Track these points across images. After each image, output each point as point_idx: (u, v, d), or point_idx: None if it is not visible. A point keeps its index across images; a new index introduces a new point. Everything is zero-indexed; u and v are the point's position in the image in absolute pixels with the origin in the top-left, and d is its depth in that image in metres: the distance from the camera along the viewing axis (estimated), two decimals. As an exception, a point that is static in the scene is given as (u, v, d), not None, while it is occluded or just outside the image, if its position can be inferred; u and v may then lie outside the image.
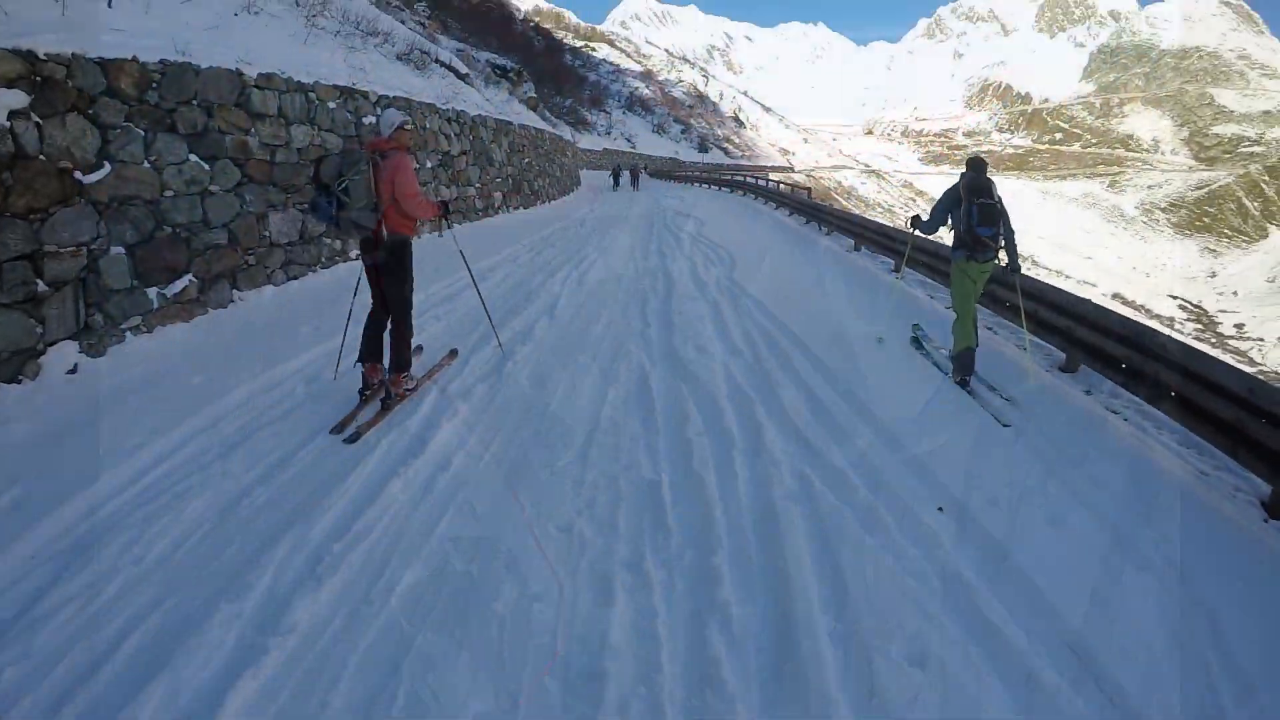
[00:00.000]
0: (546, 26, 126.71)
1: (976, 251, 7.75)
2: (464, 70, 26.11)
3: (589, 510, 4.83)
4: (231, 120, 9.75)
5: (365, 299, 6.68)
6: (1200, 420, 6.27)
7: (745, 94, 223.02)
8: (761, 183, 42.46)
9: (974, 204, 7.62)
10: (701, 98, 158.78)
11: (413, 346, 6.77)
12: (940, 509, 5.05)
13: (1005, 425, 6.71)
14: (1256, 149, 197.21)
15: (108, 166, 7.60)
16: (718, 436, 5.91)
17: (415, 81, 18.41)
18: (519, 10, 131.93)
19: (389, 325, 6.56)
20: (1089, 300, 8.39)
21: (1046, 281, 9.33)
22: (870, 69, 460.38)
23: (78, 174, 7.23)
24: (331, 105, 12.42)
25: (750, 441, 5.85)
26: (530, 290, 11.47)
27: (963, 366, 7.85)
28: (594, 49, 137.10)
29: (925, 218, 8.61)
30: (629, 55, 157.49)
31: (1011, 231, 7.88)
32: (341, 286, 9.96)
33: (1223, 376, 6.03)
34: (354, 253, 12.70)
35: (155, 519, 4.61)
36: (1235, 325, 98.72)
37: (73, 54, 7.28)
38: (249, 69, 10.25)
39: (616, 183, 48.91)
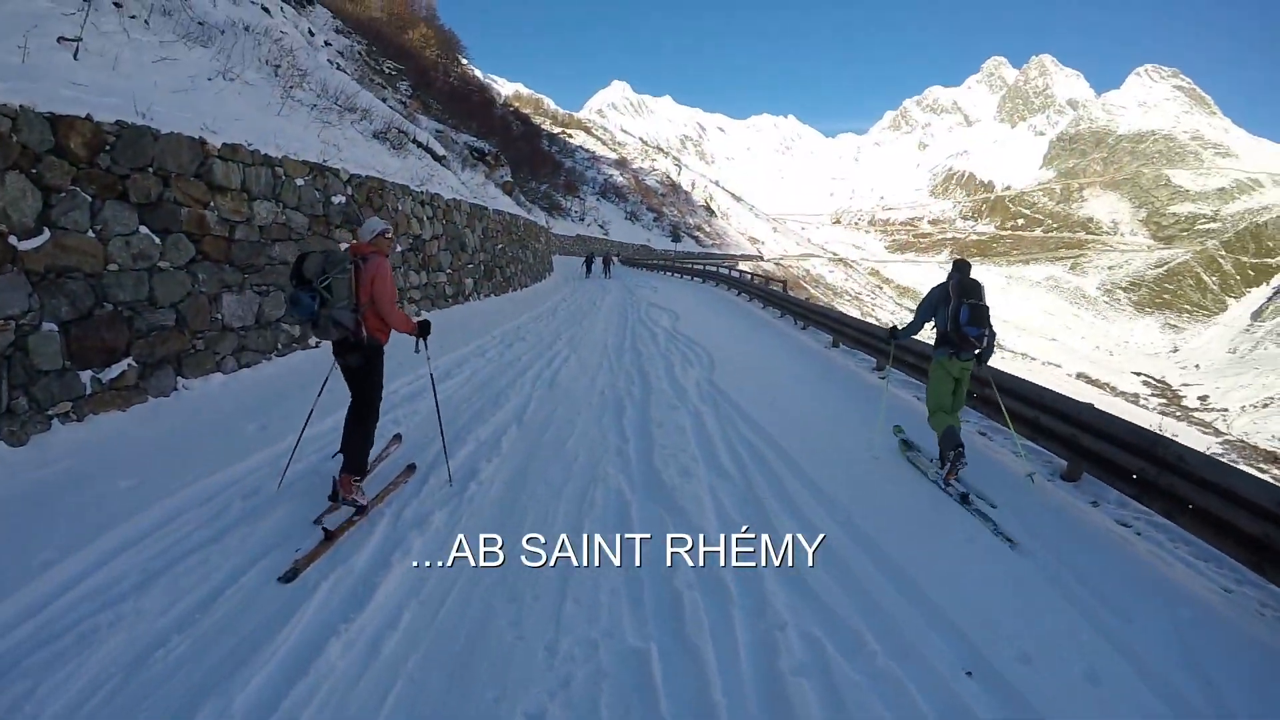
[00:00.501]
0: (525, 112, 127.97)
1: (961, 349, 7.96)
2: (441, 152, 25.78)
3: (563, 691, 4.04)
4: (190, 192, 9.07)
5: (327, 401, 6.60)
6: (1222, 534, 6.04)
7: (717, 183, 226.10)
8: (734, 273, 43.00)
9: (965, 304, 7.79)
10: (674, 186, 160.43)
11: (392, 436, 6.99)
12: (969, 673, 4.46)
13: (1012, 544, 6.39)
14: (1213, 225, 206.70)
15: (47, 233, 6.94)
16: (711, 591, 5.17)
17: (391, 161, 17.90)
18: (500, 95, 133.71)
19: (352, 423, 6.33)
20: (1091, 405, 8.21)
21: (1045, 387, 9.12)
22: (838, 159, 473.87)
23: (12, 239, 6.58)
24: (299, 182, 11.77)
25: (751, 597, 5.13)
26: (498, 391, 10.73)
27: (949, 443, 7.72)
28: (571, 136, 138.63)
29: (900, 326, 9.04)
30: (604, 143, 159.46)
31: (994, 334, 8.01)
32: (298, 377, 9.52)
33: (1248, 490, 5.80)
34: (313, 340, 11.91)
35: (55, 666, 3.93)
36: (1199, 398, 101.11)
37: (20, 105, 6.68)
38: (213, 138, 9.60)
39: (589, 270, 48.62)
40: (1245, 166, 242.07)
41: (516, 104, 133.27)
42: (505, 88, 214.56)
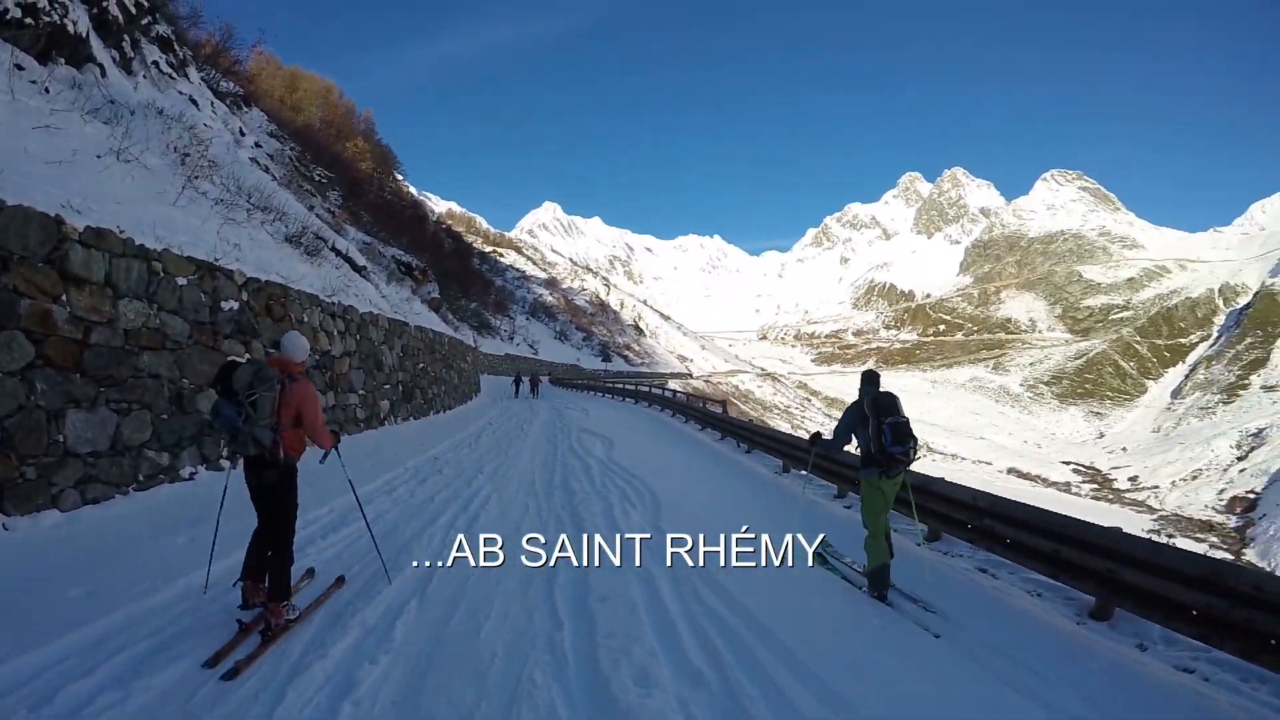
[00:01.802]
0: (458, 230, 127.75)
1: (890, 468, 7.81)
2: (362, 262, 24.03)
3: None
4: (35, 280, 7.37)
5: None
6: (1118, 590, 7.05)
7: (645, 303, 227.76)
8: (665, 392, 42.54)
9: (885, 423, 7.72)
10: (603, 306, 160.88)
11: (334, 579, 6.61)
12: None
13: (936, 636, 6.65)
14: (1126, 314, 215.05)
15: None
16: None
17: (302, 268, 16.07)
18: (433, 212, 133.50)
19: (270, 551, 6.04)
20: (1007, 497, 8.95)
21: (963, 485, 9.86)
22: (763, 276, 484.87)
23: None
24: (181, 281, 9.85)
25: None
26: (400, 546, 8.63)
27: (879, 583, 7.83)
28: (502, 255, 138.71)
29: (826, 435, 8.90)
30: (535, 263, 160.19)
31: (916, 442, 7.89)
32: (160, 518, 7.81)
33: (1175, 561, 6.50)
34: (185, 470, 9.84)
35: None
36: (1130, 479, 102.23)
37: None
38: (76, 218, 7.90)
39: (517, 390, 47.59)
40: (1152, 255, 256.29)
41: (449, 221, 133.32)
42: (439, 205, 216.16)
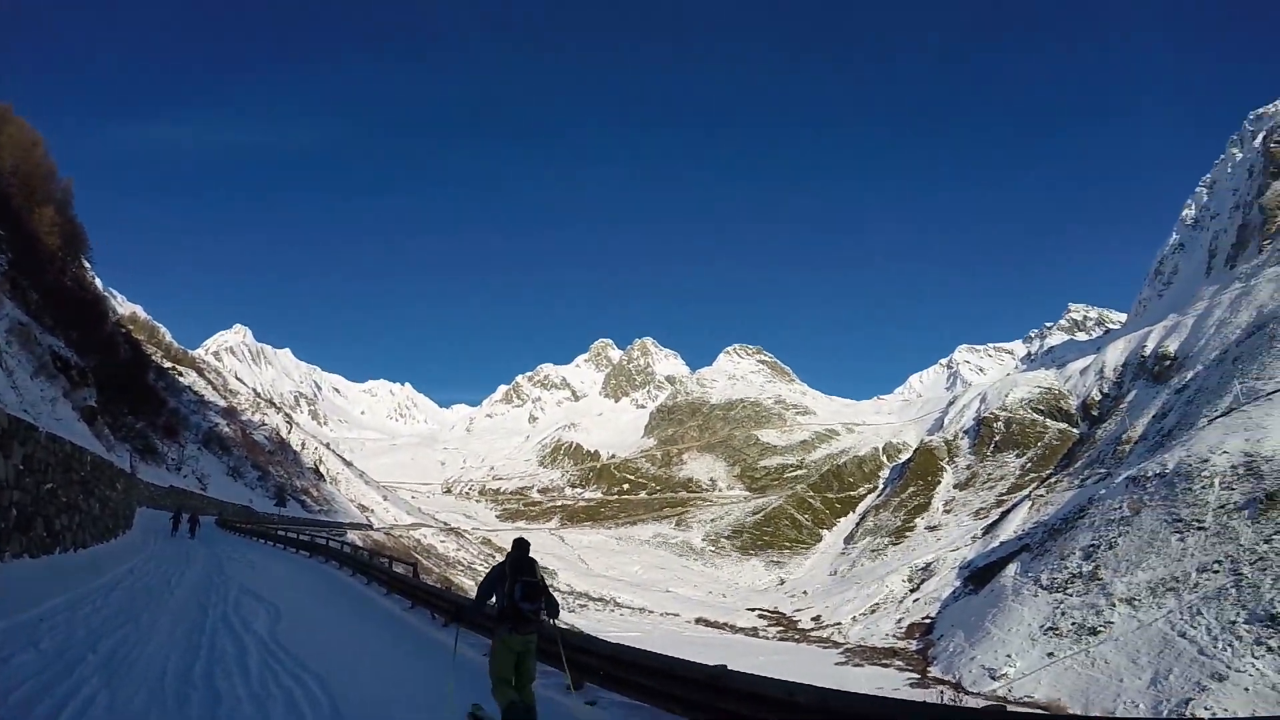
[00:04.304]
0: (139, 337, 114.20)
1: (519, 625, 8.36)
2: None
3: None
4: None
5: None
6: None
7: (329, 446, 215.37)
8: (345, 546, 36.26)
9: (520, 582, 8.35)
10: (284, 444, 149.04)
11: None
12: None
13: None
14: (800, 472, 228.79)
15: None
16: None
17: None
18: (115, 311, 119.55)
19: None
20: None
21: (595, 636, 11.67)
22: (451, 429, 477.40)
23: None
24: None
25: None
26: None
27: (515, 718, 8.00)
28: (182, 374, 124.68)
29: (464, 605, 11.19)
30: (216, 388, 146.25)
31: (556, 606, 8.67)
32: None
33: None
34: None
35: None
36: (813, 619, 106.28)
37: None
38: None
39: (175, 528, 40.95)
40: (822, 420, 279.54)
41: (130, 327, 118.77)
42: (123, 306, 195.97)
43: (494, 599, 8.69)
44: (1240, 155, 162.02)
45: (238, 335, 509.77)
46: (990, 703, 44.32)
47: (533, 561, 8.69)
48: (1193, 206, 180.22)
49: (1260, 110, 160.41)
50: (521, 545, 8.88)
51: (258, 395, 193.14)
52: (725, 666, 8.52)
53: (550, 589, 8.77)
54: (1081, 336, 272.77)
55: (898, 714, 7.09)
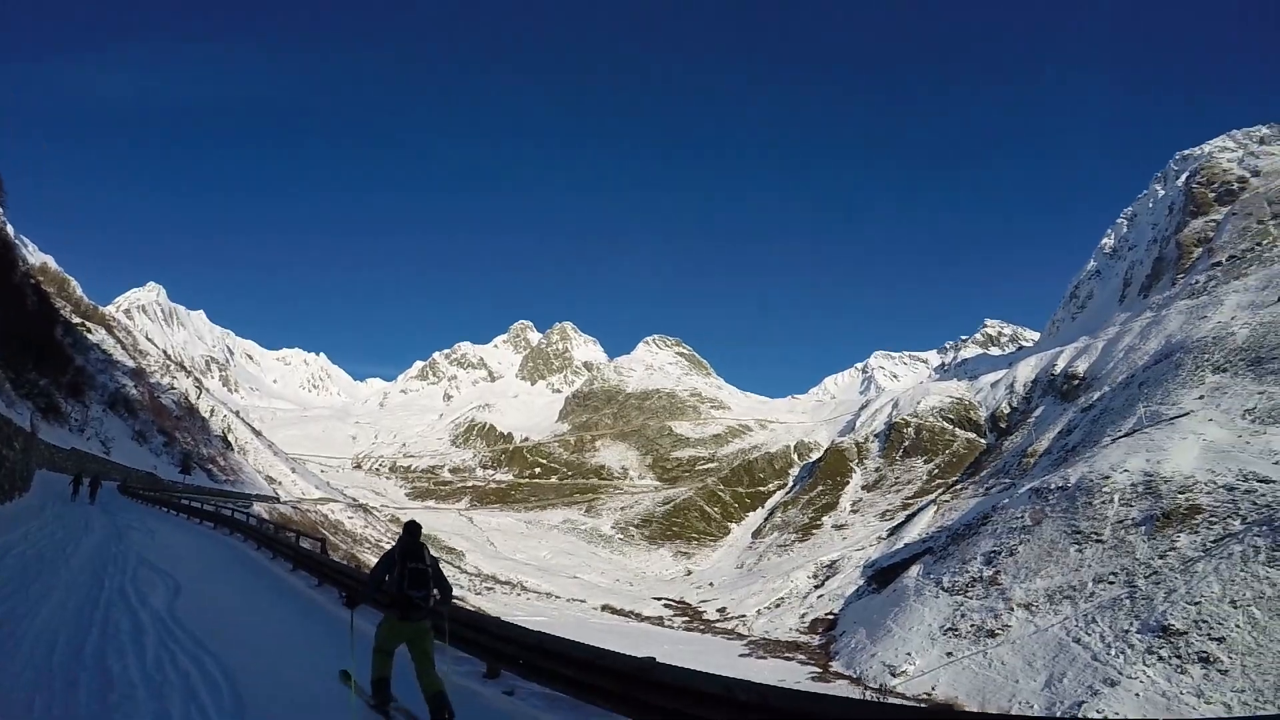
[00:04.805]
0: (48, 289, 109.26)
1: (409, 611, 8.37)
2: None
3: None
4: None
5: None
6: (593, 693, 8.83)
7: (238, 414, 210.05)
8: (252, 519, 36.14)
9: (407, 568, 8.37)
10: (192, 410, 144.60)
11: None
12: None
13: None
14: (711, 465, 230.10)
15: None
16: None
17: None
18: (26, 260, 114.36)
19: None
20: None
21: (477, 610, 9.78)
22: (364, 403, 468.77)
23: None
24: None
25: None
26: None
27: (380, 695, 8.42)
28: (91, 330, 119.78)
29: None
30: (126, 348, 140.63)
31: (449, 589, 8.98)
32: None
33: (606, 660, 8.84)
34: None
35: None
36: (719, 610, 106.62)
37: None
38: None
39: (76, 492, 39.28)
40: (736, 415, 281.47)
41: (40, 278, 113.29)
42: (34, 256, 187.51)
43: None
44: (1163, 192, 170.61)
45: (151, 293, 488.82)
46: (886, 697, 45.66)
47: (422, 546, 8.63)
48: (1112, 236, 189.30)
49: (1186, 151, 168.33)
50: (412, 530, 8.82)
51: (168, 357, 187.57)
52: (654, 659, 8.27)
53: (444, 575, 8.88)
54: (995, 351, 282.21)
55: (841, 712, 6.81)
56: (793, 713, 6.54)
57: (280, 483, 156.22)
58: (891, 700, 43.03)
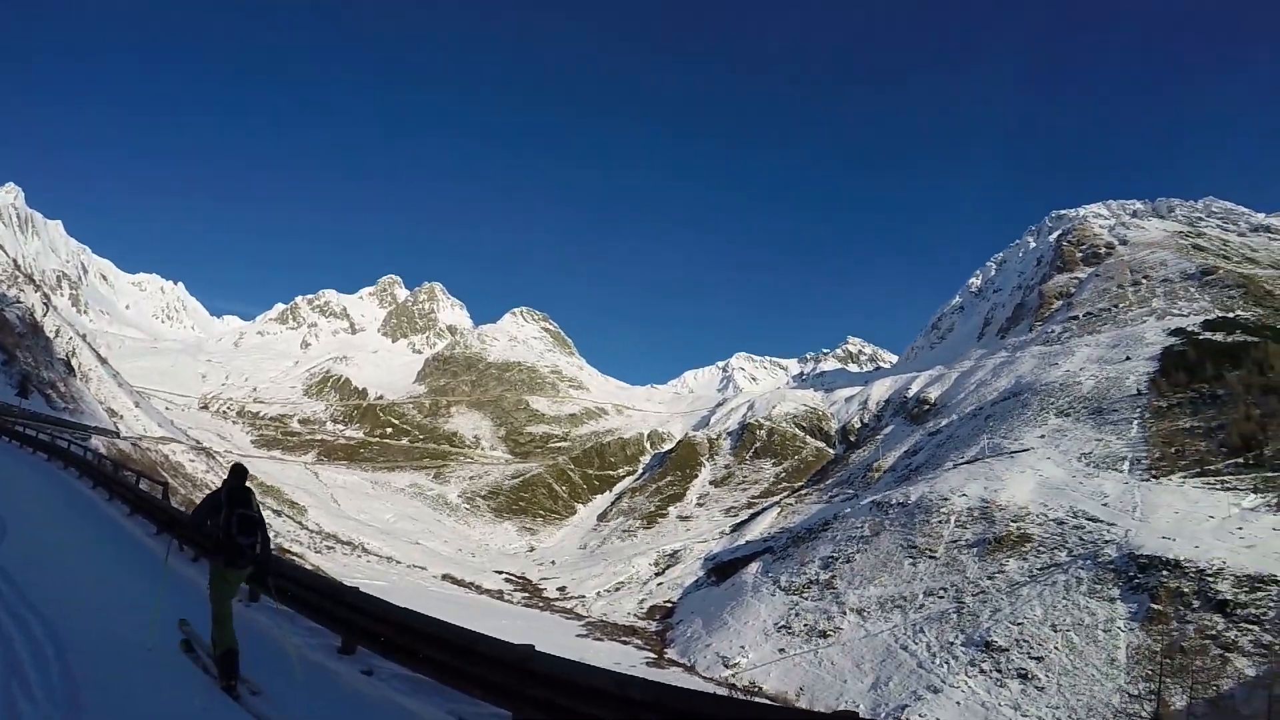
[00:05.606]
0: None
1: (236, 558, 8.16)
2: None
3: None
4: None
5: None
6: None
7: (85, 338, 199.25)
8: (89, 454, 33.17)
9: (235, 514, 8.05)
10: (36, 329, 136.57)
11: None
12: None
13: None
14: (564, 444, 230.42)
15: None
16: None
17: None
18: None
19: None
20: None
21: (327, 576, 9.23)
22: (218, 341, 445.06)
23: None
24: None
25: None
26: None
27: (227, 671, 7.77)
28: None
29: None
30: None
31: (269, 540, 8.66)
32: None
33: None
34: None
35: None
36: (559, 589, 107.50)
37: None
38: None
39: None
40: (594, 397, 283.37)
41: None
42: None
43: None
44: (1034, 244, 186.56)
45: (9, 195, 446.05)
46: (719, 687, 47.24)
47: (249, 492, 8.37)
48: (980, 277, 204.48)
49: (1061, 212, 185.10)
50: (239, 473, 8.50)
51: (18, 268, 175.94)
52: (533, 647, 7.78)
53: (270, 526, 8.93)
54: (854, 368, 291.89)
55: (736, 713, 6.98)
56: (688, 714, 6.18)
57: (122, 416, 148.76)
58: (756, 700, 44.42)
